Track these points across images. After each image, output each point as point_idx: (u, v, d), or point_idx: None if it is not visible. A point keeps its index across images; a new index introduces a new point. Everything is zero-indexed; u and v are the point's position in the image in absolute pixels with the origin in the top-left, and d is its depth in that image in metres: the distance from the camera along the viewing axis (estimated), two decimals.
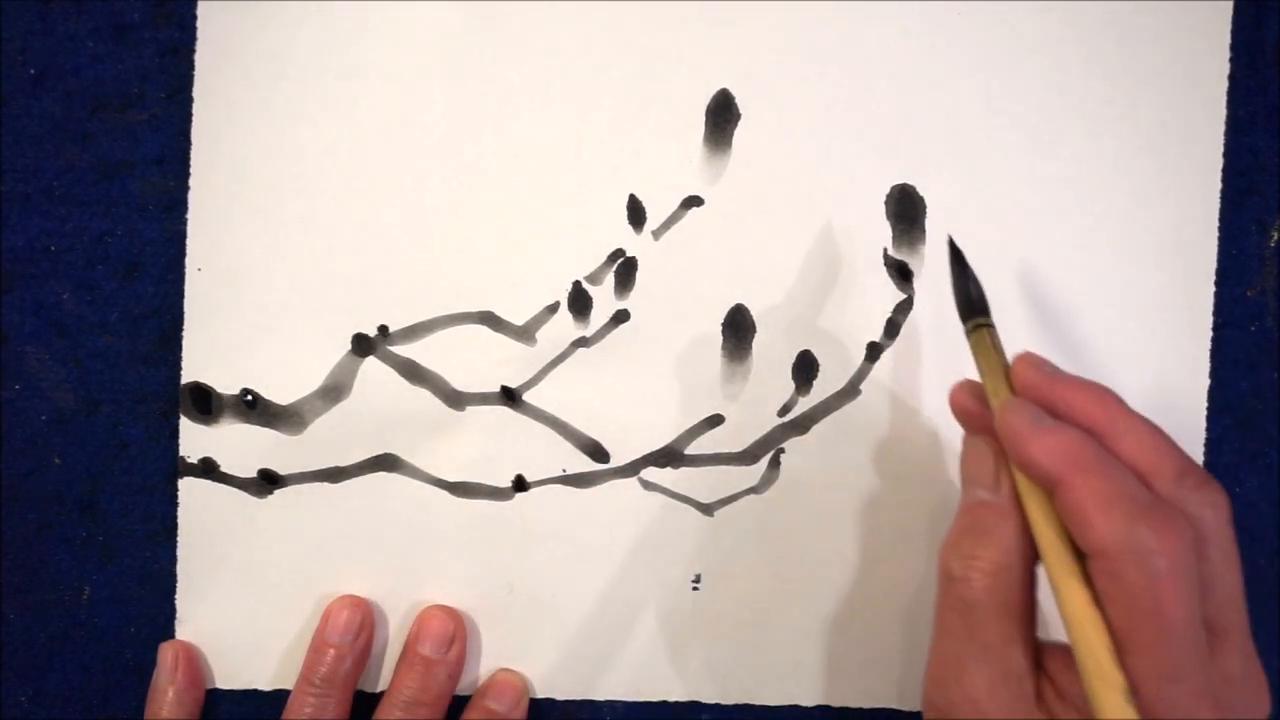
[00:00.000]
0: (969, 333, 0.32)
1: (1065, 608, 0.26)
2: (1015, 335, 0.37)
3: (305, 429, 0.37)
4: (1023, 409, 0.29)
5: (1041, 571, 0.28)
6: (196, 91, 0.37)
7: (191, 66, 0.37)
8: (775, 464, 0.38)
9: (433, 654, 0.36)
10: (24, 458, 0.37)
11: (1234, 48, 0.38)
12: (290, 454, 0.37)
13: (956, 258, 0.33)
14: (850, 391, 0.38)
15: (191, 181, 0.37)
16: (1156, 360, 0.38)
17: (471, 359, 0.37)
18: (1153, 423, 0.29)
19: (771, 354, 0.37)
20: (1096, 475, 0.27)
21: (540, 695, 0.38)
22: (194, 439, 0.37)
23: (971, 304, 0.33)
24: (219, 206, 0.37)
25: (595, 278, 0.37)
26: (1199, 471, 0.28)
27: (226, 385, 0.37)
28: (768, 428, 0.38)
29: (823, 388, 0.38)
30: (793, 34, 0.37)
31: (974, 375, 0.37)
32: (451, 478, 0.37)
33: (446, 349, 0.37)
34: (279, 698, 0.37)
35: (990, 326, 0.32)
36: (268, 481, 0.37)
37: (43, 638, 0.38)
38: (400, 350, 0.37)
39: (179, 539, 0.37)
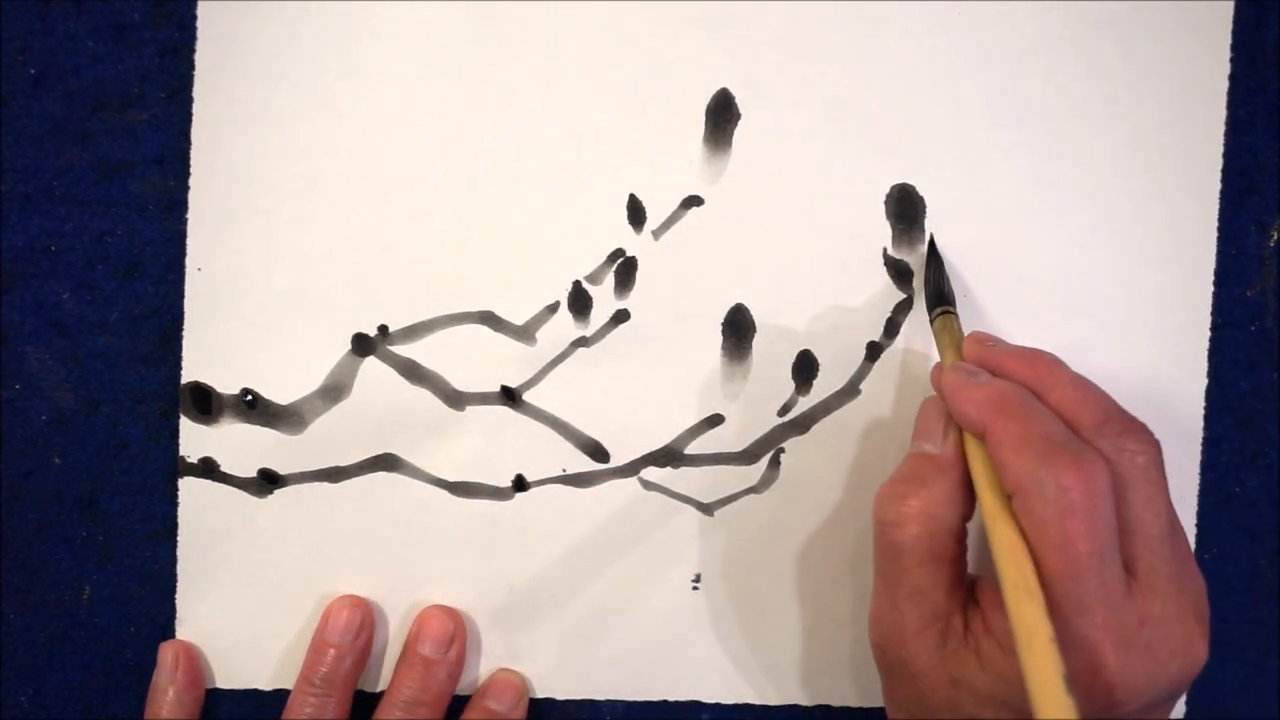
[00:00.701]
0: (934, 319, 0.35)
1: (992, 542, 0.28)
2: (1015, 335, 0.37)
3: (305, 429, 0.37)
4: (960, 368, 0.31)
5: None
6: (196, 91, 0.37)
7: (191, 66, 0.36)
8: (775, 464, 0.38)
9: (433, 654, 0.36)
10: (24, 458, 0.37)
11: (1234, 48, 0.38)
12: (290, 454, 0.37)
13: (934, 254, 0.37)
14: (850, 391, 0.38)
15: (191, 181, 0.37)
16: (1156, 360, 0.38)
17: (471, 359, 0.37)
18: (1084, 378, 0.31)
19: (771, 354, 0.37)
20: (1016, 420, 0.28)
21: (540, 695, 0.38)
22: (194, 439, 0.37)
23: (941, 295, 0.36)
24: (219, 206, 0.37)
25: (595, 278, 0.37)
26: (1124, 419, 0.29)
27: (226, 385, 0.37)
28: (768, 428, 0.38)
29: (823, 388, 0.38)
30: (793, 34, 0.37)
31: None
32: (451, 478, 0.37)
33: (446, 349, 0.37)
34: (279, 698, 0.37)
35: (954, 314, 0.35)
36: (268, 481, 0.37)
37: (43, 638, 0.38)
38: (400, 350, 0.37)
39: (179, 539, 0.37)
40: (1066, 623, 0.27)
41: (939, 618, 0.30)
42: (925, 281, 0.37)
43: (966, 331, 0.35)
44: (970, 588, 0.31)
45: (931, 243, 0.37)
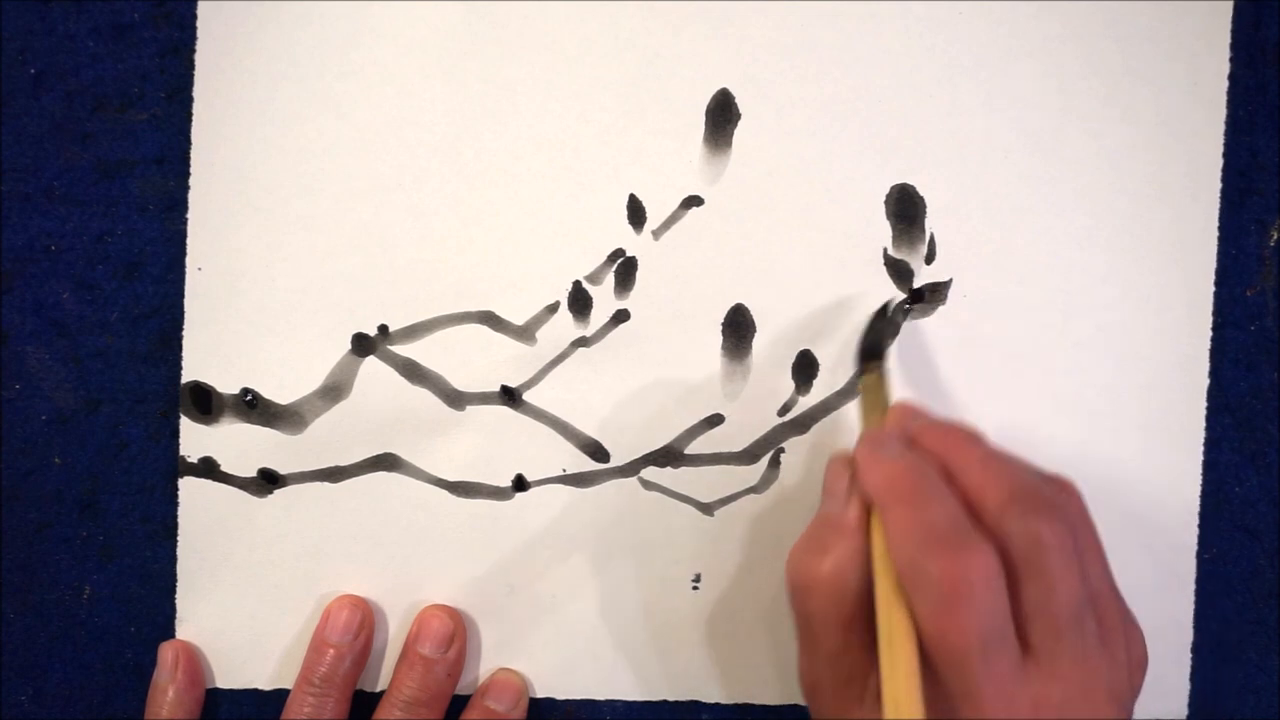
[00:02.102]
0: (865, 373, 0.35)
1: (879, 623, 0.28)
2: (1015, 335, 0.37)
3: (305, 429, 0.37)
4: (871, 439, 0.31)
5: None
6: (196, 91, 0.37)
7: (191, 66, 0.37)
8: (775, 464, 0.38)
9: (432, 653, 0.36)
10: (24, 458, 0.37)
11: (1234, 48, 0.38)
12: (290, 453, 0.37)
13: (884, 312, 0.36)
14: (850, 391, 0.38)
15: (191, 181, 0.37)
16: (1156, 360, 0.38)
17: (471, 359, 0.37)
18: (997, 453, 0.30)
19: (771, 354, 0.37)
20: (906, 505, 0.28)
21: (540, 695, 0.38)
22: (194, 439, 0.37)
23: (874, 350, 0.35)
24: (219, 206, 0.37)
25: (595, 278, 0.37)
26: (1030, 498, 0.28)
27: (226, 385, 0.37)
28: (768, 427, 0.38)
29: (823, 388, 0.38)
30: (793, 34, 0.37)
31: (973, 378, 0.38)
32: (451, 478, 0.37)
33: (446, 349, 0.37)
34: (279, 697, 0.37)
35: (884, 373, 0.35)
36: (268, 481, 0.37)
37: (43, 638, 0.38)
38: (400, 350, 0.37)
39: (179, 539, 0.37)
40: (954, 709, 0.27)
41: (856, 678, 0.29)
42: (866, 334, 0.36)
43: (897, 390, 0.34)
44: None
45: (885, 305, 0.37)
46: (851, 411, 0.38)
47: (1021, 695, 0.27)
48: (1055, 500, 0.29)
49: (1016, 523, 0.28)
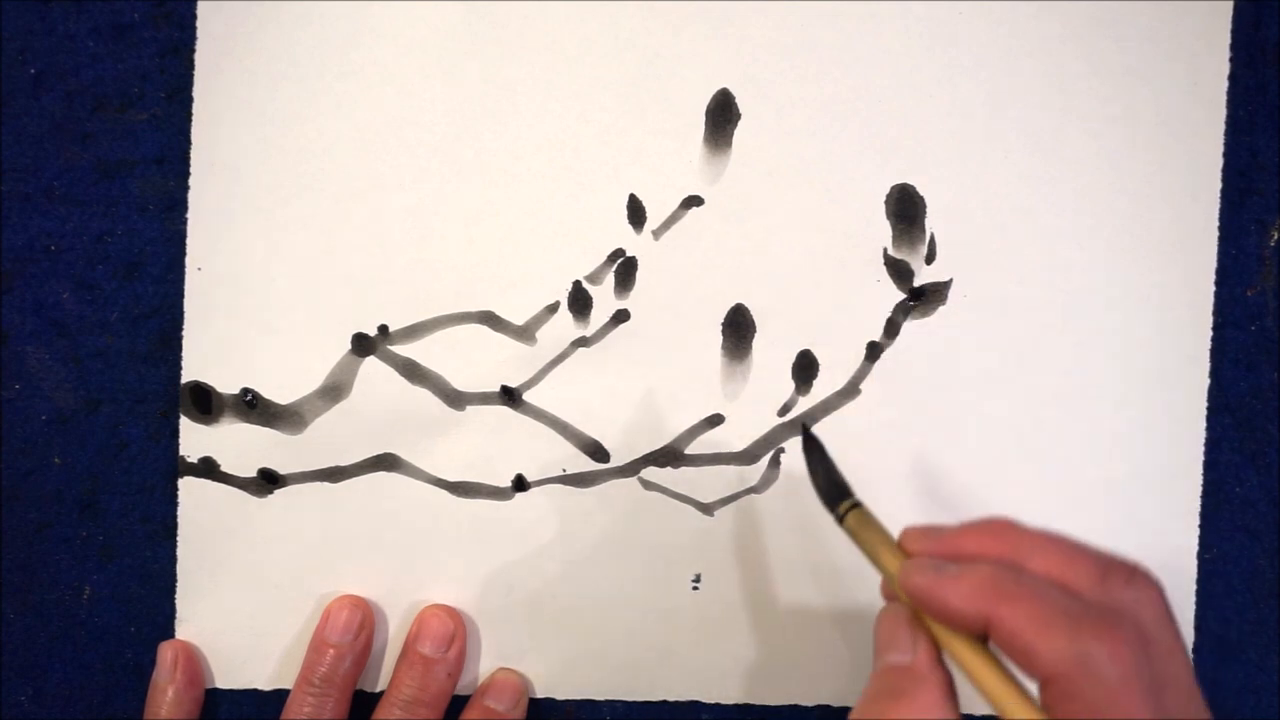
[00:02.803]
0: (842, 518, 0.31)
1: None
2: (1015, 336, 0.37)
3: (305, 429, 0.37)
4: (924, 564, 0.28)
5: None
6: (196, 91, 0.37)
7: (191, 66, 0.37)
8: (775, 464, 0.38)
9: (432, 653, 0.36)
10: (24, 458, 0.37)
11: (1234, 48, 0.38)
12: (290, 454, 0.37)
13: (812, 447, 0.33)
14: (850, 391, 0.38)
15: (191, 181, 0.37)
16: (1156, 360, 0.38)
17: (471, 359, 0.37)
18: (1056, 533, 0.28)
19: (771, 354, 0.37)
20: (1023, 599, 0.26)
21: (540, 695, 0.38)
22: (194, 439, 0.37)
23: (837, 489, 0.32)
24: (219, 206, 0.37)
25: (595, 278, 0.37)
26: (1123, 568, 0.27)
27: (226, 385, 0.37)
28: (768, 428, 0.38)
29: (823, 388, 0.38)
30: (793, 34, 0.37)
31: (973, 378, 0.38)
32: (451, 478, 0.37)
33: (446, 349, 0.37)
34: (279, 697, 0.37)
35: (860, 505, 0.31)
36: (268, 481, 0.37)
37: (43, 638, 0.38)
38: (400, 350, 0.37)
39: (179, 539, 0.37)
40: None
41: None
42: (816, 480, 0.32)
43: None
44: None
45: (807, 433, 0.33)
46: (852, 412, 0.38)
47: None
48: (1140, 565, 0.27)
49: (1120, 593, 0.26)
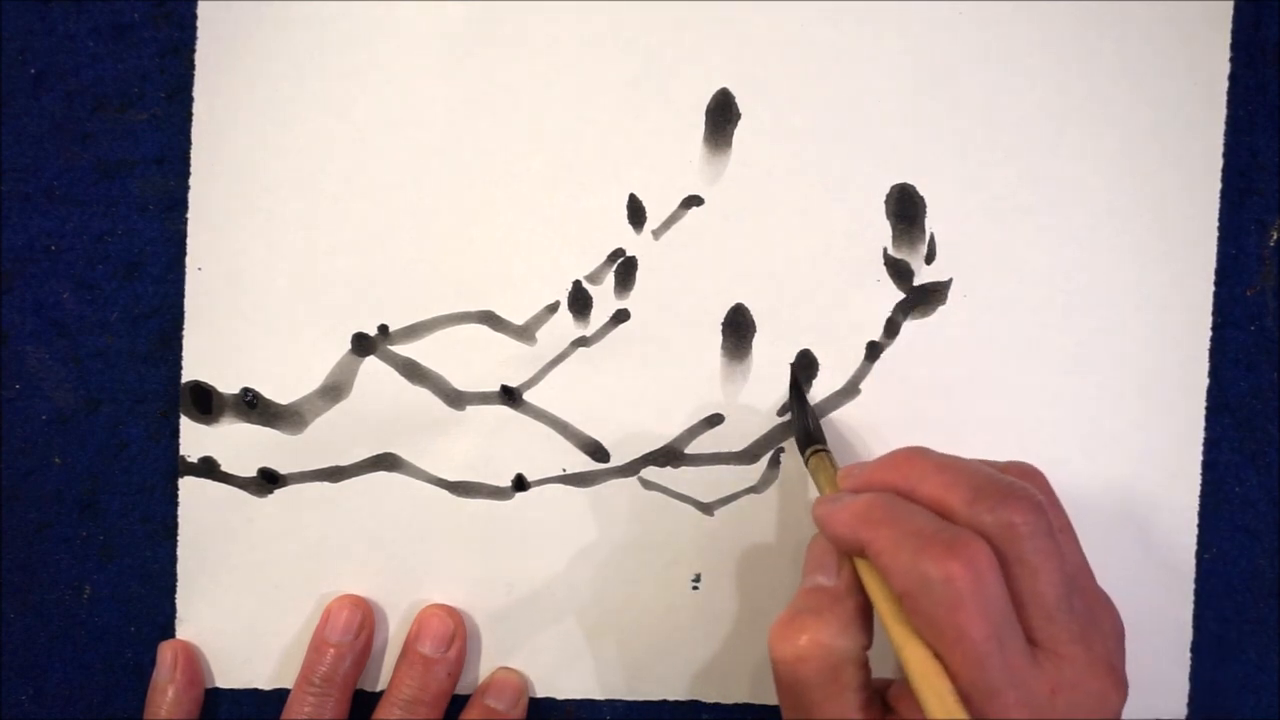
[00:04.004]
0: (808, 459, 0.35)
1: (904, 666, 0.28)
2: (1015, 336, 0.37)
3: (305, 428, 0.37)
4: (826, 498, 0.31)
5: None
6: (196, 91, 0.37)
7: (191, 66, 0.37)
8: (775, 464, 0.38)
9: (432, 653, 0.36)
10: (24, 458, 0.37)
11: (1234, 48, 0.38)
12: (290, 453, 0.37)
13: (798, 392, 0.37)
14: (850, 391, 0.38)
15: (191, 181, 0.37)
16: (1156, 360, 0.38)
17: (471, 358, 0.37)
18: (950, 458, 0.30)
19: (771, 354, 0.37)
20: (885, 525, 0.28)
21: (540, 695, 0.38)
22: (194, 438, 0.37)
23: (810, 435, 0.35)
24: (219, 206, 0.37)
25: (595, 277, 0.37)
26: (996, 490, 0.28)
27: (226, 385, 0.37)
28: (768, 427, 0.38)
29: (823, 388, 0.38)
30: (793, 34, 0.37)
31: (973, 378, 0.38)
32: (451, 477, 0.37)
33: (446, 348, 0.37)
34: (279, 697, 0.37)
35: (827, 451, 0.35)
36: (268, 481, 0.37)
37: (43, 637, 0.38)
38: (400, 350, 0.37)
39: (179, 538, 0.37)
40: (979, 710, 0.26)
41: None
42: (795, 422, 0.36)
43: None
44: (881, 699, 0.30)
45: (795, 381, 0.37)
46: (852, 412, 0.38)
47: (1038, 684, 0.27)
48: (1019, 486, 0.29)
49: (988, 515, 0.28)
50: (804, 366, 0.38)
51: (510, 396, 0.37)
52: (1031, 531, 0.28)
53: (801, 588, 0.31)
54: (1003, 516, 0.28)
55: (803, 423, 0.36)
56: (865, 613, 0.30)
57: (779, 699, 0.30)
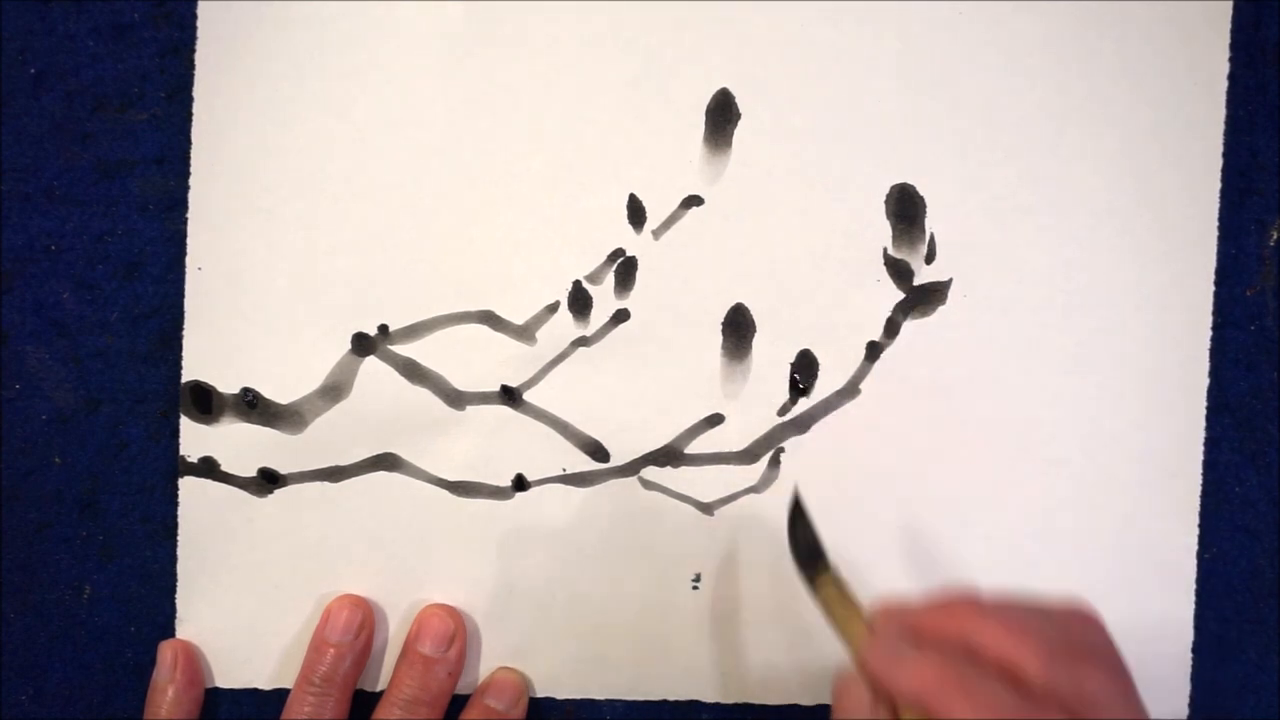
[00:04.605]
0: (814, 585, 0.32)
1: None
2: (1015, 336, 0.37)
3: (305, 428, 0.37)
4: (881, 644, 0.29)
5: None
6: (196, 91, 0.37)
7: (191, 66, 0.37)
8: (775, 463, 0.38)
9: (432, 653, 0.36)
10: (24, 458, 0.37)
11: (1234, 48, 0.38)
12: (290, 453, 0.37)
13: (799, 507, 0.34)
14: (850, 391, 0.38)
15: (191, 181, 0.37)
16: (1156, 360, 0.38)
17: (471, 358, 0.37)
18: (1013, 609, 0.29)
19: (771, 354, 0.37)
20: (965, 697, 0.26)
21: (540, 695, 0.38)
22: (194, 438, 0.37)
23: (812, 555, 0.33)
24: (219, 206, 0.37)
25: (595, 277, 0.37)
26: (1072, 653, 0.27)
27: (226, 385, 0.37)
28: (768, 427, 0.38)
29: (823, 388, 0.38)
30: (793, 34, 0.37)
31: (973, 378, 0.38)
32: (451, 477, 0.37)
33: (446, 348, 0.37)
34: (279, 697, 0.37)
35: (833, 573, 0.32)
36: (268, 481, 0.37)
37: (43, 637, 0.38)
38: (400, 350, 0.37)
39: (179, 538, 0.37)
40: None
41: None
42: (794, 542, 0.33)
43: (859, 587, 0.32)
44: None
45: (796, 495, 0.34)
46: (853, 412, 0.38)
47: None
48: (1088, 642, 0.28)
49: (1065, 682, 0.27)
50: (804, 366, 0.38)
51: (510, 396, 0.37)
52: (1109, 701, 0.27)
53: None
54: (1081, 684, 0.27)
55: (805, 542, 0.33)
56: None
57: None
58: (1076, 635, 0.28)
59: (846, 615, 0.31)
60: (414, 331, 0.37)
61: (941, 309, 0.38)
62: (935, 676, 0.27)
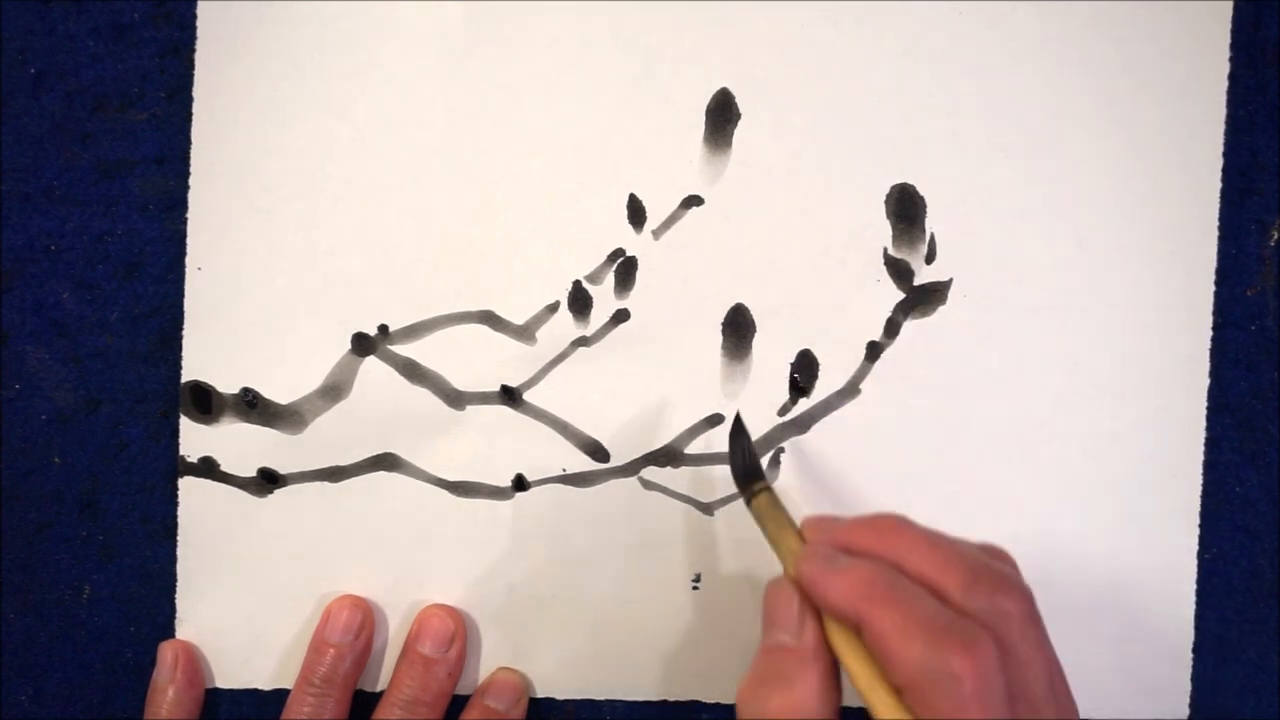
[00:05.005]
0: (750, 499, 0.33)
1: None
2: (1014, 336, 0.37)
3: (305, 428, 0.37)
4: (816, 554, 0.29)
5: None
6: (196, 91, 0.37)
7: (191, 66, 0.37)
8: (775, 464, 0.38)
9: (432, 653, 0.36)
10: (24, 458, 0.37)
11: (1234, 48, 0.38)
12: (290, 453, 0.37)
13: (740, 427, 0.35)
14: (850, 391, 0.38)
15: (191, 181, 0.37)
16: (1156, 360, 0.38)
17: (471, 358, 0.37)
18: (938, 534, 0.29)
19: (771, 354, 0.37)
20: (891, 606, 0.27)
21: (540, 695, 0.38)
22: (194, 438, 0.37)
23: (750, 472, 0.33)
24: (219, 206, 0.37)
25: (595, 277, 0.37)
26: (991, 575, 0.28)
27: (226, 384, 0.37)
28: (768, 427, 0.38)
29: (823, 388, 0.38)
30: (793, 34, 0.37)
31: (973, 378, 0.38)
32: (451, 477, 0.37)
33: (446, 348, 0.37)
34: (279, 697, 0.37)
35: (769, 489, 0.32)
36: (268, 481, 0.37)
37: (43, 637, 0.38)
38: (400, 350, 0.37)
39: (179, 538, 0.37)
40: None
41: None
42: (732, 461, 0.34)
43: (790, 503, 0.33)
44: None
45: (738, 416, 0.35)
46: (852, 412, 0.38)
47: None
48: (1010, 573, 0.29)
49: (983, 602, 0.27)
50: (804, 366, 0.38)
51: (510, 396, 0.37)
52: (1025, 622, 0.27)
53: (764, 644, 0.29)
54: (999, 604, 0.27)
55: (741, 460, 0.34)
56: (834, 675, 0.29)
57: None
58: (995, 563, 0.29)
59: (780, 529, 0.31)
60: (414, 331, 0.37)
61: (941, 309, 0.38)
62: (865, 582, 0.28)
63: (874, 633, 0.27)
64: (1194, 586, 0.38)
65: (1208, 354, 0.38)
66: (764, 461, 0.38)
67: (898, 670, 0.26)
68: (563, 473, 0.37)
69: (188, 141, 0.37)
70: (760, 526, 0.32)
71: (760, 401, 0.38)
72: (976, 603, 0.27)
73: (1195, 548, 0.38)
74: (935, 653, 0.26)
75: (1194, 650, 0.38)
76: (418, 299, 0.37)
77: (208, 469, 0.37)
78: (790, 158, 0.37)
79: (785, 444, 0.38)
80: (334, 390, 0.37)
